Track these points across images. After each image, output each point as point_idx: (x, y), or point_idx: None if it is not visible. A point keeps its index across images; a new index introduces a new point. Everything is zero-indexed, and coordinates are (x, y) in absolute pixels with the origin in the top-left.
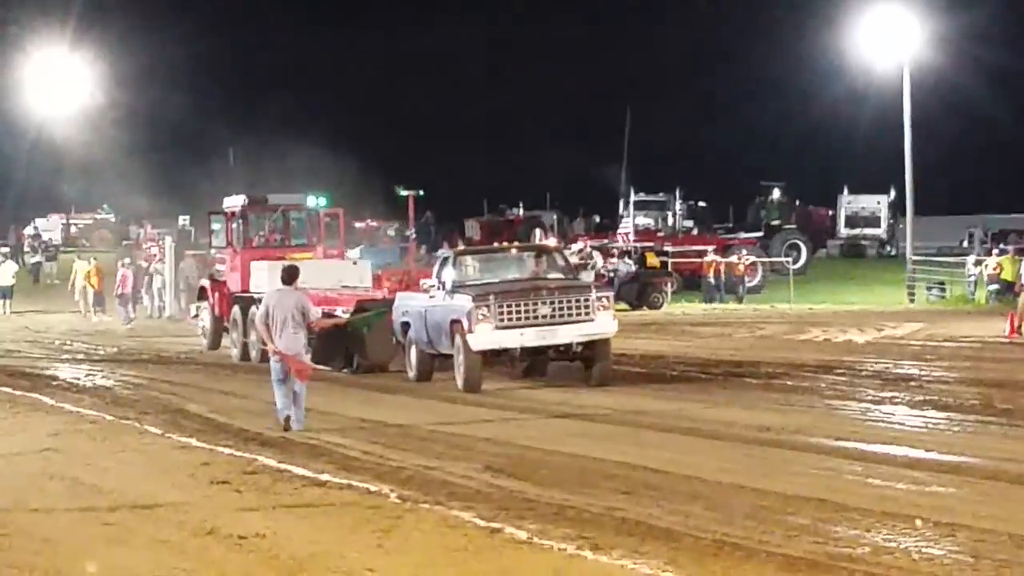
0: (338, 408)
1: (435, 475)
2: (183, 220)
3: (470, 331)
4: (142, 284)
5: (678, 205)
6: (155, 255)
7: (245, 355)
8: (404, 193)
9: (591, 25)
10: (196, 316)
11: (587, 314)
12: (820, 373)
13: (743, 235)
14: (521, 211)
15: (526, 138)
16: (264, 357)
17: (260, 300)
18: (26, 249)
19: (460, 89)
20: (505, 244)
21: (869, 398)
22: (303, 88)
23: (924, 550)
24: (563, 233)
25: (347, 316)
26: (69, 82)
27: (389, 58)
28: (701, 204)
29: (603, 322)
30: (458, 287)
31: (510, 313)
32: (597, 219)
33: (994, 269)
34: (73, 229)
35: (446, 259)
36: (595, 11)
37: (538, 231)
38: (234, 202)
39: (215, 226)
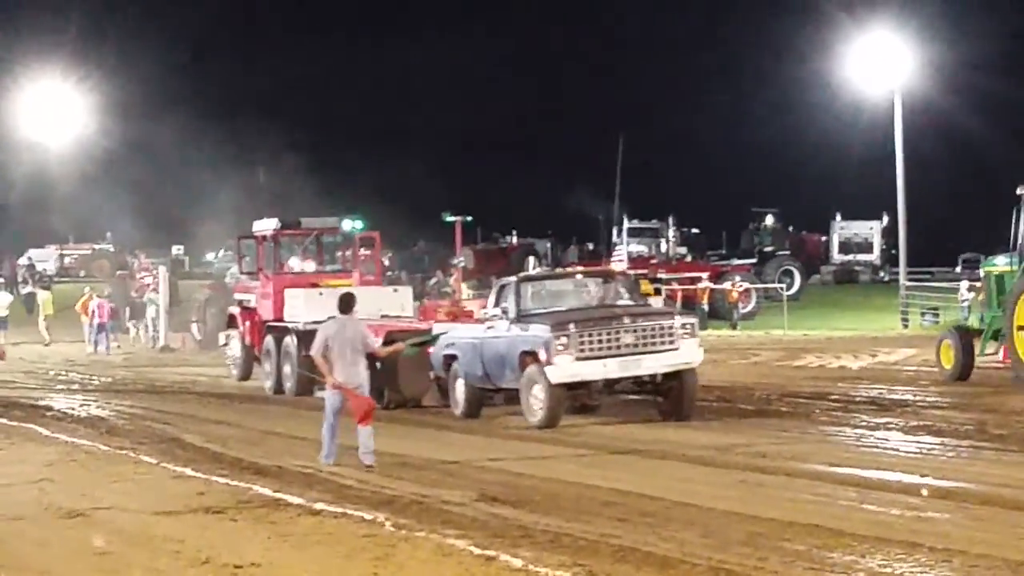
0: None
1: (430, 503)
2: (176, 250)
3: (549, 363)
4: (124, 314)
5: (671, 232)
6: (149, 284)
7: (279, 388)
8: (451, 219)
9: (584, 53)
10: (225, 345)
11: (671, 343)
12: (814, 399)
13: (737, 261)
14: (515, 239)
15: (518, 166)
16: (300, 391)
17: (293, 330)
18: (20, 279)
19: (452, 117)
20: (570, 269)
21: (864, 424)
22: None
23: None
24: (556, 261)
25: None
26: (68, 110)
27: (376, 82)
28: (695, 231)
29: (688, 351)
30: (526, 315)
31: (591, 343)
32: (590, 246)
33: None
34: (67, 260)
35: (505, 286)
36: (588, 39)
37: (532, 259)
38: (266, 226)
39: (244, 251)
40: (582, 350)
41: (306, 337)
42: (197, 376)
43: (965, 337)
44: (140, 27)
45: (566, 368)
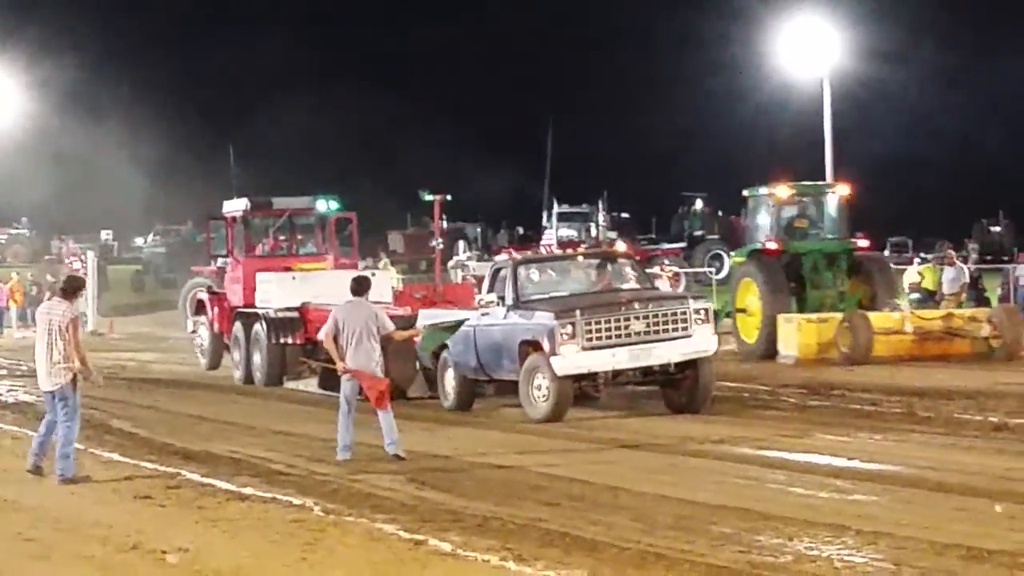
0: (262, 422)
1: (360, 487)
2: (105, 235)
3: (554, 353)
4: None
5: (601, 216)
6: (78, 270)
7: (248, 377)
8: (429, 198)
9: (511, 36)
10: (194, 332)
11: (684, 329)
12: (743, 383)
13: (666, 246)
14: (445, 223)
15: (448, 149)
16: (270, 381)
17: (263, 316)
18: None
19: (380, 98)
20: (571, 251)
21: (792, 407)
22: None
23: (846, 558)
24: (486, 245)
25: (421, 329)
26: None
27: (307, 65)
28: (624, 215)
29: (703, 338)
30: (526, 302)
31: (599, 331)
32: (520, 231)
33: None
34: None
35: (500, 269)
36: (515, 22)
37: (462, 243)
38: (235, 206)
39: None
40: (589, 339)
41: (277, 324)
42: (127, 362)
43: None
44: (71, 9)
45: (572, 358)
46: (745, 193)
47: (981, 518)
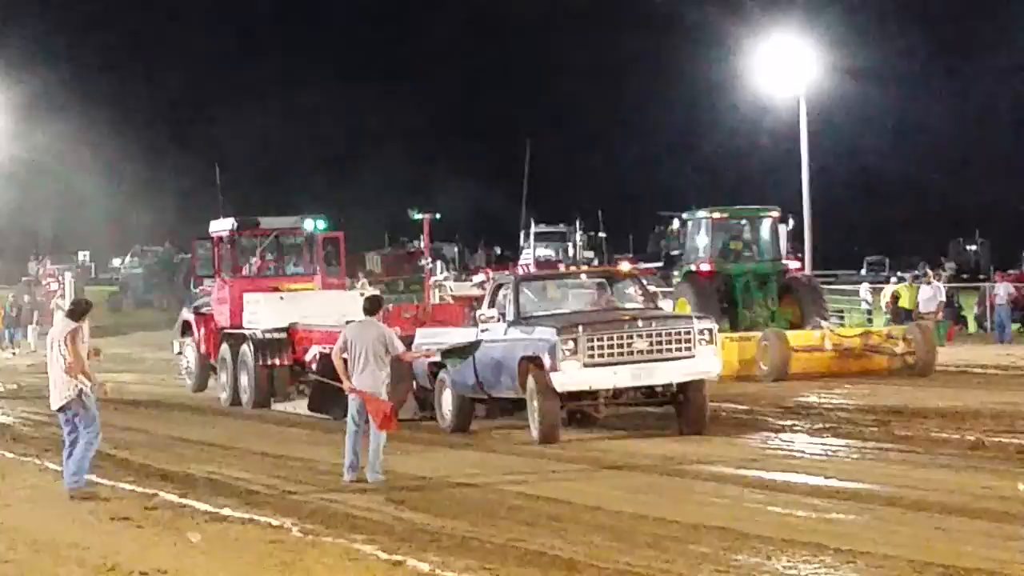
0: (241, 442)
1: (338, 508)
2: (82, 256)
3: (554, 369)
4: (33, 319)
5: (578, 236)
6: (55, 291)
7: (236, 399)
8: (418, 216)
9: (491, 57)
10: (179, 353)
11: (688, 350)
12: (720, 401)
13: (643, 265)
14: (422, 243)
15: (425, 169)
16: (257, 403)
17: (250, 337)
18: None
19: (358, 119)
20: (573, 268)
21: (769, 426)
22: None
23: None
24: (464, 265)
25: (438, 349)
26: None
27: (285, 86)
28: (601, 235)
29: (705, 359)
30: (527, 318)
31: (601, 348)
32: (498, 251)
33: (892, 297)
34: None
35: (501, 286)
36: (495, 43)
37: (439, 263)
38: (222, 226)
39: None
40: (591, 355)
41: (264, 345)
42: (104, 382)
43: None
44: (48, 26)
45: (573, 375)
46: (684, 216)
47: (959, 536)
